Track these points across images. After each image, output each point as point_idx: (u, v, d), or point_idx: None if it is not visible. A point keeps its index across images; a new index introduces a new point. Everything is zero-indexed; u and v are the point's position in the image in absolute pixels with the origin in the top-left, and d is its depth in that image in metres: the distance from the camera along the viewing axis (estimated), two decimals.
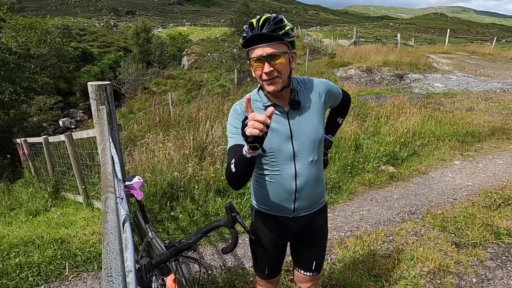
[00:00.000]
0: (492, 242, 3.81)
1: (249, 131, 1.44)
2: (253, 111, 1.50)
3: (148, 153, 6.13)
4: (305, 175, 1.92)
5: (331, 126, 2.36)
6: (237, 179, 1.77)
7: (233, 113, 1.93)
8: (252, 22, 1.71)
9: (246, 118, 1.49)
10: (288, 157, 1.88)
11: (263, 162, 1.93)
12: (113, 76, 35.85)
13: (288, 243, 2.26)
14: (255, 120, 1.43)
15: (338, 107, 2.26)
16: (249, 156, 1.59)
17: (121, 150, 3.89)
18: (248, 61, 1.80)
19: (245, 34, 1.73)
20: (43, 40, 28.53)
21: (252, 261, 2.32)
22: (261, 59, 1.70)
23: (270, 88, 1.77)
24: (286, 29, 1.70)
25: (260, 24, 1.68)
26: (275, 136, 1.85)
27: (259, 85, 1.91)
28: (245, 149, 1.58)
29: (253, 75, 1.83)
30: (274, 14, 1.74)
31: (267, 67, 1.70)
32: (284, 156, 1.88)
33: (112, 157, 2.20)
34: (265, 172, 1.95)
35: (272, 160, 1.90)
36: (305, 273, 2.25)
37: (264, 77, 1.73)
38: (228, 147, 1.89)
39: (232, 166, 1.71)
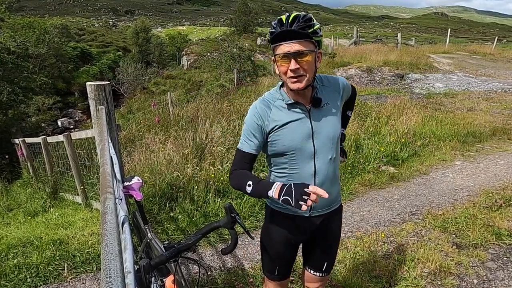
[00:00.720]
0: (493, 243, 3.81)
1: (304, 207, 1.52)
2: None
3: (147, 154, 6.12)
4: (324, 173, 1.92)
5: (342, 120, 2.29)
6: (244, 193, 1.85)
7: (253, 113, 1.92)
8: (281, 19, 1.71)
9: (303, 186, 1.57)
10: (309, 156, 1.89)
11: (283, 161, 1.94)
12: (112, 76, 35.78)
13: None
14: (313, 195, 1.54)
15: (347, 101, 2.27)
16: (272, 198, 1.67)
17: (120, 150, 3.90)
18: (273, 57, 1.80)
19: (273, 30, 1.73)
20: (42, 40, 28.45)
21: (262, 262, 2.31)
22: (288, 56, 1.70)
23: (295, 86, 1.76)
24: (315, 27, 1.71)
25: (290, 21, 1.68)
26: (296, 135, 1.86)
27: (279, 83, 1.93)
28: (274, 195, 1.64)
29: (276, 71, 1.83)
30: (303, 13, 1.74)
31: (293, 64, 1.70)
32: (304, 154, 1.89)
33: (111, 157, 2.20)
34: (284, 171, 1.96)
35: (292, 158, 1.90)
36: (315, 273, 2.24)
37: (290, 74, 1.73)
38: (238, 146, 1.93)
39: (249, 189, 1.76)
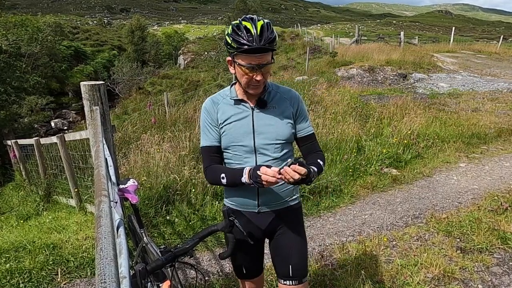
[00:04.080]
0: (499, 247, 3.82)
1: (266, 184, 1.75)
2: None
3: (143, 155, 6.12)
4: None
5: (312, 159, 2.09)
6: (220, 185, 2.02)
7: (204, 109, 2.08)
8: (247, 28, 1.74)
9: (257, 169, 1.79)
10: (250, 151, 1.99)
11: (228, 156, 2.05)
12: (106, 76, 35.89)
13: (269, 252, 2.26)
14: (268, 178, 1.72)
15: (310, 154, 2.13)
16: (247, 184, 1.85)
17: (115, 152, 3.90)
18: (233, 62, 1.86)
19: (239, 38, 1.75)
20: (35, 38, 28.45)
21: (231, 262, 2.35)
22: (255, 68, 1.80)
23: (254, 92, 1.92)
24: (276, 38, 1.81)
25: (258, 33, 1.73)
26: (238, 129, 1.99)
27: (233, 82, 2.07)
28: (247, 180, 1.82)
29: (232, 71, 1.94)
30: (266, 20, 1.80)
31: (260, 76, 1.82)
32: (246, 151, 1.99)
33: (106, 159, 2.21)
34: (230, 166, 2.04)
35: (235, 153, 2.01)
36: (284, 282, 2.16)
37: (254, 83, 1.85)
38: (201, 145, 2.09)
39: (224, 181, 1.93)
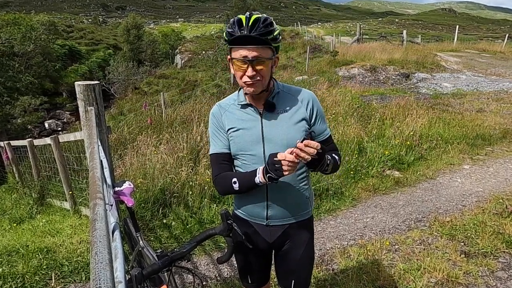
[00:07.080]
0: (504, 251, 3.82)
1: (286, 173, 1.63)
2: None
3: (139, 157, 6.12)
4: None
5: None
6: (234, 194, 1.97)
7: (212, 116, 2.02)
8: (240, 19, 1.71)
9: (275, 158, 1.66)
10: (259, 159, 1.90)
11: (237, 164, 1.99)
12: (102, 76, 35.91)
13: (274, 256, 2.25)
14: (289, 161, 1.60)
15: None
16: (261, 184, 1.77)
17: (111, 153, 3.90)
18: (229, 58, 1.81)
19: (231, 30, 1.72)
20: (28, 37, 28.49)
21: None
22: (245, 61, 1.72)
23: (249, 90, 1.81)
24: (275, 34, 1.73)
25: (250, 24, 1.68)
26: (246, 137, 1.91)
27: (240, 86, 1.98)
28: (261, 179, 1.74)
29: (232, 71, 1.86)
30: (265, 15, 1.75)
31: (250, 71, 1.73)
32: (255, 158, 1.91)
33: (101, 161, 2.21)
34: None
35: (244, 162, 1.94)
36: None
37: (246, 79, 1.77)
38: (210, 152, 2.03)
39: (236, 186, 1.84)
